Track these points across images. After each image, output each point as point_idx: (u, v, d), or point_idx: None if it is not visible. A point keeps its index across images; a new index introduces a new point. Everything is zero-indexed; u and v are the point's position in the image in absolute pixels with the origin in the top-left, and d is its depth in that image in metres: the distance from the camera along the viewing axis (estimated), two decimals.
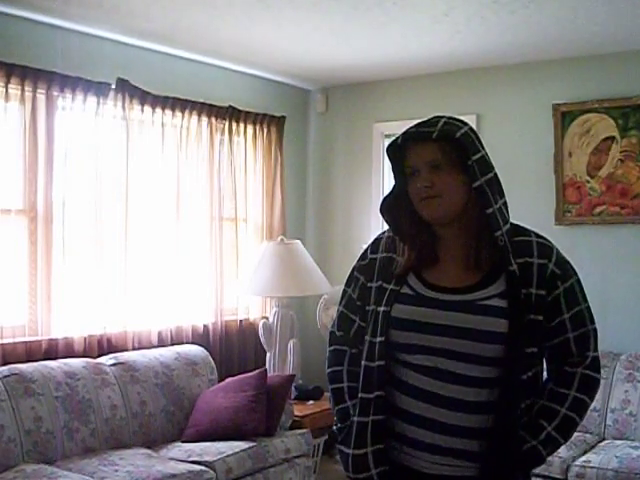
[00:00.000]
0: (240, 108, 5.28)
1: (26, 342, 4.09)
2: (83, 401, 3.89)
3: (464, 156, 1.80)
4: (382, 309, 1.88)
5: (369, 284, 1.96)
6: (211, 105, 5.07)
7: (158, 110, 4.74)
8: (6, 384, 3.64)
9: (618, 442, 4.26)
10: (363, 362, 1.90)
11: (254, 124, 5.42)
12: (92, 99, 4.36)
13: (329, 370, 2.04)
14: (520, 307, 1.78)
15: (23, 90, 4.05)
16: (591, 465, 3.96)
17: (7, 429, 3.54)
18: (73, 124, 4.32)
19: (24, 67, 4.02)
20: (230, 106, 5.21)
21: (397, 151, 1.88)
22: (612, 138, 4.79)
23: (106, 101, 4.43)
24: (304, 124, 6.04)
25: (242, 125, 5.34)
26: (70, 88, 4.24)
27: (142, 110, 4.65)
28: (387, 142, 5.58)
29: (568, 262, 1.88)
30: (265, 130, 5.49)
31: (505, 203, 1.86)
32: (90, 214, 4.42)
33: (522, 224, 1.91)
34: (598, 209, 4.85)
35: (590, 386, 1.86)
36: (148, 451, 3.94)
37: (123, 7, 4.02)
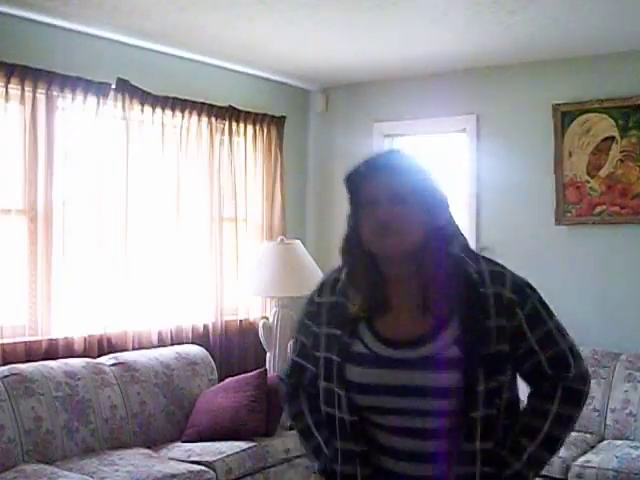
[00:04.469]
0: (240, 108, 5.28)
1: (26, 342, 4.08)
2: (83, 401, 3.89)
3: (425, 192, 1.75)
4: (335, 359, 1.79)
5: (318, 330, 1.86)
6: (211, 105, 5.07)
7: (158, 110, 4.74)
8: (6, 384, 3.64)
9: (618, 442, 4.25)
10: (328, 409, 1.81)
11: (254, 124, 5.41)
12: (92, 99, 4.36)
13: (290, 417, 1.99)
14: (476, 354, 1.69)
15: (23, 90, 4.05)
16: (591, 465, 3.95)
17: (7, 429, 3.54)
18: (73, 124, 4.32)
19: (24, 67, 4.02)
20: (230, 106, 5.21)
21: (355, 181, 1.78)
22: (612, 138, 4.79)
23: (106, 101, 4.43)
24: (304, 124, 6.04)
25: (242, 125, 5.33)
26: (70, 88, 4.24)
27: (142, 110, 4.65)
28: (387, 142, 5.67)
29: (525, 284, 1.78)
30: (265, 130, 5.48)
31: (461, 232, 1.81)
32: (90, 214, 4.42)
33: (475, 251, 1.83)
34: (598, 209, 4.85)
35: (574, 400, 1.78)
36: (148, 451, 3.94)
37: (123, 7, 4.03)
